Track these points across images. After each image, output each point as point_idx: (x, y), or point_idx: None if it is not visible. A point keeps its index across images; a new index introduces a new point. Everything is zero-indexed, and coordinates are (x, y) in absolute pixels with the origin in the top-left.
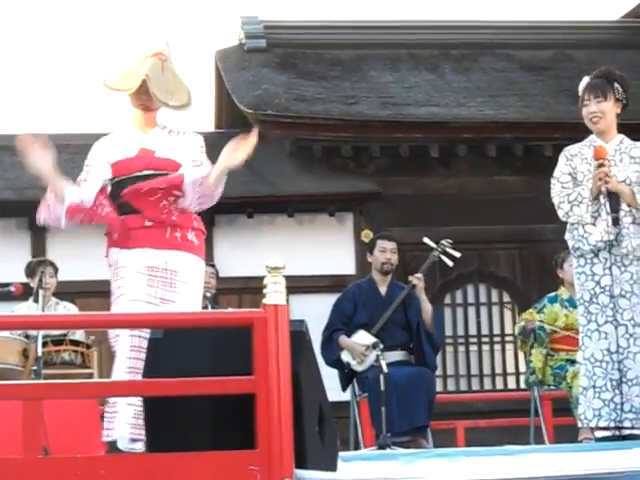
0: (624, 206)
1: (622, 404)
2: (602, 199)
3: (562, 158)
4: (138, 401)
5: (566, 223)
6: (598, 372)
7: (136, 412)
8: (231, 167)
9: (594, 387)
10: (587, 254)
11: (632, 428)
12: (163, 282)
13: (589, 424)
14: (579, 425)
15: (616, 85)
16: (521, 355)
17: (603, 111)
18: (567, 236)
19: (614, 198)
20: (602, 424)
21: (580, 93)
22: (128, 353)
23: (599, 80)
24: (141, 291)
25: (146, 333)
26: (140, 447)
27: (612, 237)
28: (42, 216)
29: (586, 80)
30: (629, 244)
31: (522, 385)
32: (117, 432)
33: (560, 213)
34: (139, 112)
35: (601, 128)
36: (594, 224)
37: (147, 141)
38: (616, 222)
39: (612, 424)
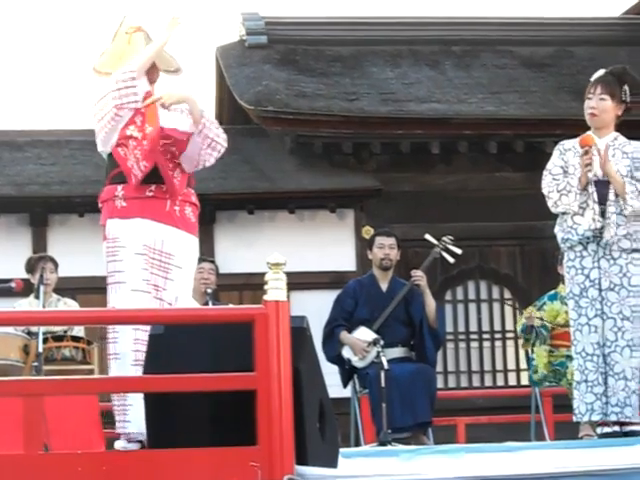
0: (610, 196)
1: (609, 397)
2: (590, 189)
3: (556, 152)
4: None
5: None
6: (589, 366)
7: None
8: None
9: (586, 381)
10: (576, 246)
11: (617, 423)
12: (158, 266)
13: (582, 418)
14: (574, 420)
15: (625, 87)
16: (522, 352)
17: (602, 109)
18: (556, 229)
19: (602, 189)
20: (595, 418)
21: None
22: (133, 346)
23: (610, 77)
24: (140, 279)
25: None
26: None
27: (600, 225)
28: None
29: (600, 73)
30: (611, 233)
31: (523, 382)
32: (135, 427)
33: (549, 203)
34: None
35: (596, 124)
36: (582, 214)
37: None
38: (604, 214)
39: (603, 418)
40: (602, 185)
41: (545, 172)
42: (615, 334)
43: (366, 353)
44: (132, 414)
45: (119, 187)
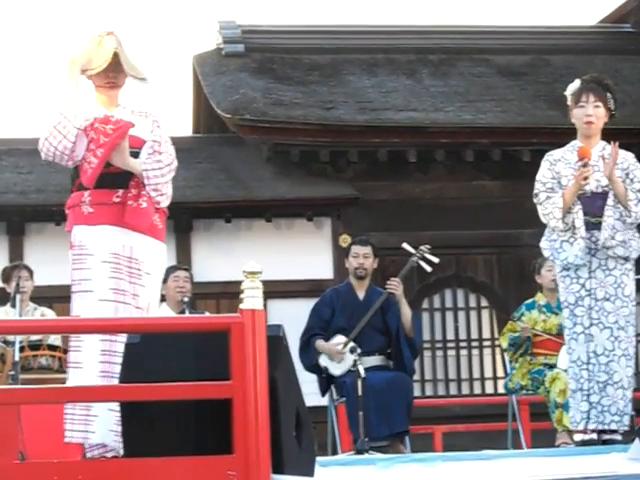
0: (609, 201)
1: (609, 406)
2: (577, 223)
3: (545, 163)
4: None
5: (543, 228)
6: (585, 375)
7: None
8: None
9: (581, 390)
10: None
11: (617, 431)
12: (129, 274)
13: (578, 427)
14: (570, 428)
15: (609, 95)
16: (499, 360)
17: (598, 116)
18: (544, 244)
19: (595, 201)
20: (591, 426)
21: (572, 93)
22: (100, 357)
23: (596, 85)
24: (107, 287)
25: (118, 336)
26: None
27: (582, 262)
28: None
29: (578, 83)
30: (605, 236)
31: (500, 390)
32: (99, 438)
33: (539, 210)
34: (104, 91)
35: (591, 132)
36: (571, 243)
37: None
38: (591, 238)
39: (600, 427)
40: (596, 197)
41: (537, 184)
42: (612, 343)
43: (342, 355)
44: (97, 425)
45: (86, 193)
